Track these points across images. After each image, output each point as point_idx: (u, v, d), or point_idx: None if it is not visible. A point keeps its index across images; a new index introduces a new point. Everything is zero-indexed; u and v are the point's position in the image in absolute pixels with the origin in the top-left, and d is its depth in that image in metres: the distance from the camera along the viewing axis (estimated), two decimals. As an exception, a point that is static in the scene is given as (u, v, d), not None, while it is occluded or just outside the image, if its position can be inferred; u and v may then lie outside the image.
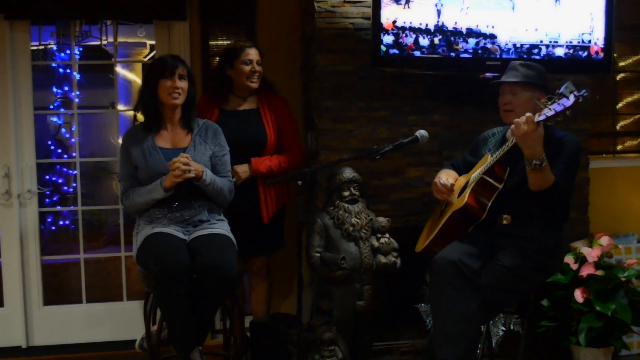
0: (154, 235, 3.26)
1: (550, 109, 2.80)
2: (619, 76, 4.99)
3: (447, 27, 3.79)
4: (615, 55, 4.86)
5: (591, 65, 4.02)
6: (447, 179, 3.32)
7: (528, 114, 2.86)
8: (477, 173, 3.22)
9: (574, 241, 4.12)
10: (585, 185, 4.31)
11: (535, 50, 3.89)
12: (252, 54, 3.74)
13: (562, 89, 2.89)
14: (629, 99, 5.04)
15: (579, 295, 3.80)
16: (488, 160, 3.21)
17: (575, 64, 3.98)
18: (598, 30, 3.96)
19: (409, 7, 3.73)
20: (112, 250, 5.46)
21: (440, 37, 3.78)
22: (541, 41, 3.89)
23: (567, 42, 3.92)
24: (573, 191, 3.17)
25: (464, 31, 3.81)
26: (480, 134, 3.52)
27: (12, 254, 4.33)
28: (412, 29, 3.75)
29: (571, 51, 3.94)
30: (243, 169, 3.68)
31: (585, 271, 3.84)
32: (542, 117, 2.83)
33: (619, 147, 5.03)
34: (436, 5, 3.76)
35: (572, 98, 2.76)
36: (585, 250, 3.93)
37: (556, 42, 3.91)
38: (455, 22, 3.79)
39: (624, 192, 4.82)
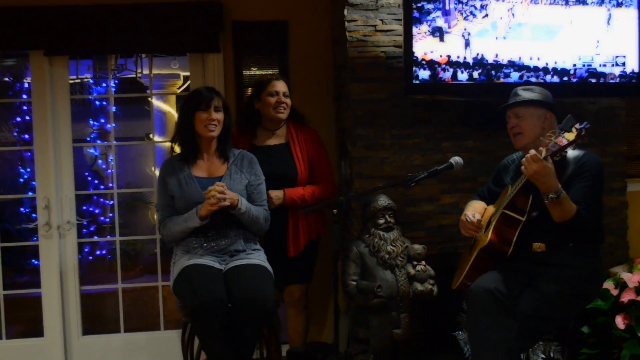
0: (190, 267, 3.29)
1: (554, 143, 2.80)
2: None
3: (487, 60, 3.78)
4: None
5: (625, 89, 3.98)
6: (474, 215, 3.26)
7: (533, 152, 2.86)
8: (499, 207, 3.20)
9: (614, 266, 4.06)
10: (623, 209, 4.25)
11: (578, 73, 3.88)
12: (278, 85, 3.77)
13: (563, 123, 2.89)
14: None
15: (620, 321, 3.74)
16: (508, 192, 3.19)
17: (609, 88, 3.95)
18: (632, 54, 3.94)
19: (443, 40, 3.73)
20: (148, 280, 5.54)
21: (479, 70, 3.78)
22: (574, 65, 3.87)
23: (601, 65, 3.90)
24: (603, 212, 3.12)
25: (505, 63, 3.80)
26: (501, 161, 3.50)
27: (52, 285, 4.39)
28: (449, 63, 3.75)
29: (613, 74, 3.91)
30: (277, 195, 3.70)
31: (626, 297, 3.77)
32: (548, 153, 2.82)
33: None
34: (463, 35, 3.75)
35: (574, 132, 2.77)
36: (625, 276, 3.86)
37: (590, 65, 3.89)
38: (496, 55, 3.79)
39: (663, 215, 4.74)
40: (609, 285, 3.85)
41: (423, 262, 3.70)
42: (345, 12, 3.95)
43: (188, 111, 3.45)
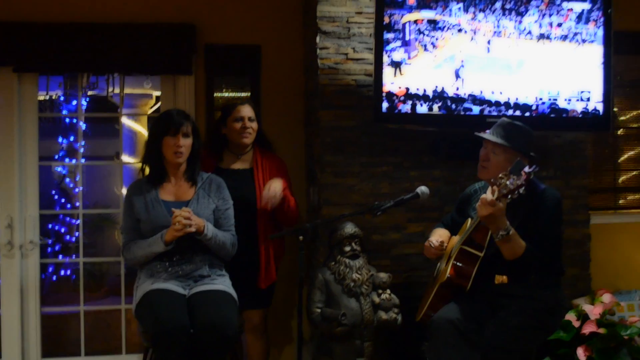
0: (152, 292, 3.24)
1: (505, 185, 2.84)
2: (620, 131, 5.04)
3: (447, 93, 3.80)
4: (615, 110, 4.92)
5: (590, 123, 4.05)
6: (437, 240, 3.33)
7: (488, 197, 2.90)
8: (457, 243, 3.23)
9: (576, 298, 4.10)
10: (586, 241, 4.31)
11: (535, 108, 3.92)
12: (244, 110, 3.75)
13: (513, 166, 2.95)
14: (631, 153, 5.07)
15: (581, 353, 3.78)
16: (467, 227, 3.22)
17: (574, 122, 4.02)
18: (597, 88, 4.01)
19: (400, 73, 3.75)
20: (112, 301, 5.44)
21: (439, 103, 3.81)
22: (541, 99, 3.93)
23: (566, 99, 3.96)
24: (561, 245, 3.16)
25: (466, 97, 3.82)
26: (464, 190, 3.53)
27: (12, 305, 4.30)
28: (408, 96, 3.77)
29: (575, 110, 3.97)
30: (278, 184, 3.64)
31: (588, 329, 3.82)
32: (500, 195, 2.86)
33: (621, 202, 5.04)
34: (423, 67, 3.74)
35: (523, 175, 2.82)
36: (587, 308, 3.91)
37: (555, 99, 3.95)
38: (457, 88, 3.81)
39: (626, 248, 4.82)
40: (571, 317, 3.90)
41: (388, 291, 3.71)
42: (318, 39, 3.98)
43: (156, 134, 3.42)
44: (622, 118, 5.05)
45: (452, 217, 3.53)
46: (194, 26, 4.34)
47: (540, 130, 4.05)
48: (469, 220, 3.27)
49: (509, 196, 2.85)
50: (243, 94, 4.51)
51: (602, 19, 3.95)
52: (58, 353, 4.58)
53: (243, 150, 3.82)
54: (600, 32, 3.95)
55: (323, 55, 3.99)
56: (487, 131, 3.23)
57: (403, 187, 3.97)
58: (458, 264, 3.13)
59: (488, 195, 2.93)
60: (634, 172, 5.07)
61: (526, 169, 2.82)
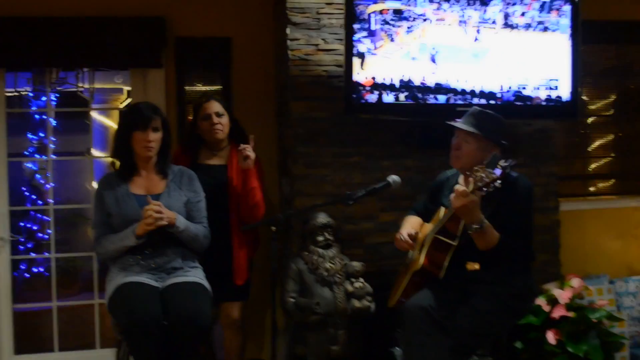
0: (124, 285, 3.23)
1: (481, 178, 2.85)
2: (590, 119, 5.11)
3: (413, 83, 3.83)
4: (586, 98, 5.00)
5: (559, 111, 4.11)
6: (409, 232, 3.34)
7: (461, 188, 2.92)
8: (430, 231, 3.26)
9: (546, 283, 4.16)
10: (556, 227, 4.38)
11: (500, 96, 3.96)
12: (210, 107, 3.73)
13: (489, 160, 2.97)
14: (601, 141, 5.14)
15: (551, 337, 3.83)
16: (441, 215, 3.25)
17: (543, 110, 4.07)
18: (565, 77, 4.06)
19: (366, 63, 3.77)
20: (86, 297, 5.41)
21: (406, 93, 3.83)
22: (510, 87, 3.98)
23: (534, 88, 4.01)
24: (532, 233, 3.19)
25: (433, 87, 3.85)
26: (436, 177, 3.55)
27: (-16, 302, 4.27)
28: (375, 86, 3.79)
29: (539, 97, 4.03)
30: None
31: (557, 313, 3.88)
32: (475, 187, 2.88)
33: (592, 189, 5.12)
34: (389, 57, 3.76)
35: (499, 169, 2.84)
36: (556, 292, 3.97)
37: (524, 88, 3.99)
38: (423, 77, 3.83)
39: (595, 233, 4.90)
40: (541, 301, 3.95)
41: (361, 279, 3.74)
42: (288, 30, 3.99)
43: (126, 129, 3.38)
44: (592, 107, 5.13)
45: (424, 204, 3.55)
46: (163, 19, 4.32)
47: (508, 118, 4.11)
48: (442, 209, 3.30)
49: (485, 189, 2.87)
50: (214, 87, 4.49)
51: (568, 8, 3.99)
52: (32, 349, 4.55)
53: (219, 147, 3.81)
54: (564, 21, 3.99)
55: (294, 47, 4.00)
56: (459, 120, 3.26)
57: (375, 177, 3.96)
58: (432, 252, 3.16)
59: (462, 186, 2.95)
60: (604, 160, 5.16)
61: (503, 163, 2.84)
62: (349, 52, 3.77)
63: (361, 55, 3.78)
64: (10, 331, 4.33)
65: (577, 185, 5.07)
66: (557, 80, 4.04)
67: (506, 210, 3.06)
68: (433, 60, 3.85)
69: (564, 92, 4.06)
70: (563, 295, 3.94)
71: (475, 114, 3.23)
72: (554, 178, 4.38)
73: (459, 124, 3.22)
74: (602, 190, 5.15)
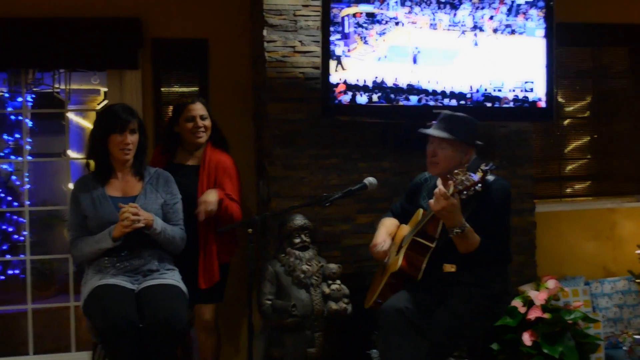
0: (100, 287, 3.21)
1: (461, 181, 2.87)
2: (566, 121, 5.15)
3: (386, 84, 3.85)
4: (562, 101, 5.04)
5: (534, 113, 4.14)
6: (383, 245, 3.34)
7: (442, 189, 2.93)
8: (409, 233, 3.27)
9: (522, 284, 4.19)
10: (532, 229, 4.40)
11: (474, 97, 3.99)
12: (195, 109, 3.72)
13: (470, 163, 3.01)
14: (577, 143, 5.19)
15: (527, 338, 3.85)
16: (420, 217, 3.26)
17: (518, 112, 4.10)
18: (540, 80, 4.10)
19: (342, 65, 3.79)
20: (62, 300, 5.37)
21: (379, 94, 3.85)
22: (485, 90, 4.00)
23: (510, 90, 4.04)
24: (510, 235, 3.20)
25: (405, 87, 3.88)
26: (414, 179, 3.56)
27: (-42, 306, 4.23)
28: (348, 87, 3.81)
29: (515, 100, 4.05)
30: (213, 199, 3.58)
31: (533, 314, 3.90)
32: (455, 190, 2.89)
33: (568, 191, 5.16)
34: (362, 59, 3.79)
35: (480, 172, 2.86)
36: (532, 294, 3.99)
37: (500, 90, 4.02)
38: (396, 78, 3.86)
39: (571, 235, 4.95)
40: (517, 303, 3.97)
41: (338, 282, 3.74)
42: (265, 32, 3.98)
43: (102, 131, 3.36)
44: (569, 109, 5.17)
45: (402, 205, 3.56)
46: (139, 20, 4.30)
47: (484, 120, 4.15)
48: (421, 211, 3.31)
49: (465, 192, 2.88)
50: (191, 88, 4.47)
51: (534, 12, 4.03)
52: (6, 353, 4.50)
53: (196, 148, 3.79)
54: (530, 24, 4.04)
55: (270, 48, 3.99)
56: (431, 126, 3.26)
57: (352, 179, 3.99)
58: (409, 254, 3.16)
59: (442, 188, 2.94)
60: (580, 162, 5.20)
61: (483, 167, 2.86)
62: (326, 54, 3.77)
63: (337, 57, 3.79)
64: (-16, 335, 4.29)
65: (554, 187, 5.11)
66: (532, 82, 4.07)
67: (483, 213, 3.07)
68: (414, 61, 3.89)
69: (540, 94, 4.09)
70: (539, 296, 3.96)
71: (446, 119, 3.23)
72: (530, 180, 4.41)
73: (431, 131, 3.21)
74: (579, 192, 5.20)
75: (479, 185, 2.86)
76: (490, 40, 3.98)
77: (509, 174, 4.26)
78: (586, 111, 5.19)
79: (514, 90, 4.05)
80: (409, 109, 3.90)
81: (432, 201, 2.96)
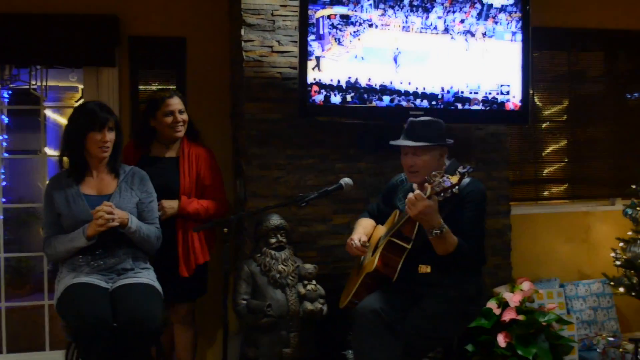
0: (74, 286, 3.19)
1: (439, 183, 2.89)
2: (543, 125, 5.19)
3: (360, 84, 3.88)
4: (539, 104, 5.08)
5: (510, 116, 4.18)
6: (360, 239, 3.33)
7: (417, 192, 2.94)
8: (384, 234, 3.28)
9: (498, 286, 4.21)
10: (507, 231, 4.43)
11: (440, 97, 4.02)
12: (173, 104, 3.71)
13: (448, 166, 3.01)
14: (555, 146, 5.23)
15: (501, 339, 3.88)
16: (396, 218, 3.27)
17: (494, 115, 4.13)
18: (516, 83, 4.13)
19: (319, 69, 3.82)
20: (38, 298, 5.32)
21: (352, 94, 3.87)
22: (457, 91, 4.03)
23: (486, 93, 4.07)
24: (485, 236, 3.22)
25: (378, 88, 3.91)
26: (390, 180, 3.57)
27: None
28: (322, 86, 3.82)
29: (490, 103, 4.08)
30: (170, 205, 3.64)
31: (508, 316, 3.92)
32: (433, 192, 2.91)
33: (546, 194, 5.20)
34: (336, 60, 3.82)
35: (457, 175, 2.87)
36: (507, 296, 4.02)
37: (476, 93, 4.05)
38: (369, 79, 3.89)
39: (546, 237, 4.98)
40: (492, 304, 4.00)
41: (314, 282, 3.74)
42: (242, 32, 3.98)
43: (80, 129, 3.32)
44: (546, 112, 5.21)
45: (378, 206, 3.57)
46: (117, 17, 4.28)
47: (461, 123, 4.18)
48: (397, 212, 3.32)
49: (442, 194, 2.89)
50: (168, 87, 4.45)
51: (503, 16, 4.09)
52: (-21, 351, 4.45)
53: (172, 142, 3.79)
54: (500, 28, 4.09)
55: (248, 48, 3.99)
56: (402, 136, 3.26)
57: (329, 180, 3.99)
58: (385, 255, 3.17)
59: (418, 192, 2.95)
60: (557, 165, 5.24)
61: (461, 169, 2.87)
62: (303, 54, 3.77)
63: (317, 58, 3.79)
64: (-44, 333, 4.24)
65: (530, 190, 5.14)
66: (508, 85, 4.11)
67: (459, 214, 3.09)
68: (388, 63, 3.92)
69: (515, 97, 4.12)
70: (513, 298, 3.98)
71: (414, 126, 3.22)
72: (506, 182, 4.44)
73: (404, 142, 3.22)
74: (555, 194, 5.23)
75: (456, 187, 2.87)
76: (463, 43, 4.03)
77: (485, 176, 4.29)
78: (563, 115, 5.23)
79: (490, 93, 4.08)
80: (382, 110, 3.93)
81: (407, 207, 2.97)
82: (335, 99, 3.84)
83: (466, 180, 3.12)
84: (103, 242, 3.29)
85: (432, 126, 3.22)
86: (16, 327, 4.64)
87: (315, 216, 4.06)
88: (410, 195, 2.95)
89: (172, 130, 3.72)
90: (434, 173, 2.94)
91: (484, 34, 4.06)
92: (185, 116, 3.75)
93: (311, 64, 3.79)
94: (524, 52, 4.13)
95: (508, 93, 4.11)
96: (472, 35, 4.04)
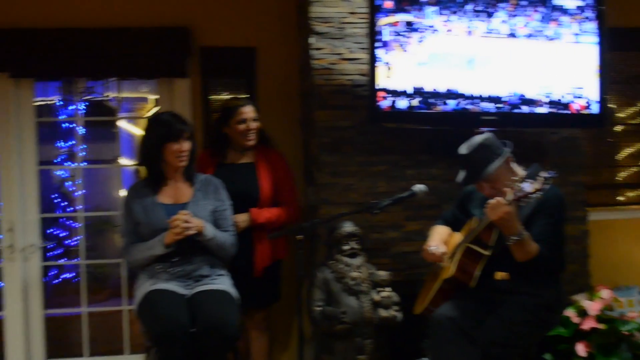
0: (152, 292, 3.27)
1: (520, 189, 2.83)
2: (619, 128, 5.04)
3: (424, 89, 3.85)
4: (614, 107, 4.94)
5: (586, 120, 4.07)
6: (438, 247, 3.30)
7: (498, 199, 2.89)
8: (463, 240, 3.24)
9: (575, 294, 4.11)
10: (584, 238, 4.32)
11: (529, 106, 3.95)
12: (246, 112, 3.77)
13: (530, 171, 2.95)
14: (630, 150, 5.07)
15: (581, 349, 3.79)
16: (474, 224, 3.22)
17: (569, 119, 4.03)
18: (590, 85, 4.03)
19: (386, 76, 3.81)
20: (115, 304, 5.47)
21: (419, 98, 3.85)
22: (529, 95, 3.96)
23: (561, 96, 3.98)
24: (565, 243, 3.16)
25: (443, 92, 3.88)
26: (464, 187, 3.50)
27: (15, 308, 4.34)
28: (388, 92, 3.81)
29: (563, 106, 3.99)
30: (242, 219, 3.70)
31: (587, 325, 3.82)
32: (514, 198, 2.85)
33: (621, 199, 5.05)
34: (402, 66, 3.82)
35: (540, 180, 2.81)
36: (586, 304, 3.92)
37: (549, 96, 3.97)
38: (434, 84, 3.86)
39: (625, 244, 4.83)
40: (570, 313, 3.90)
41: (388, 289, 3.72)
42: (312, 40, 4.00)
43: (157, 140, 3.40)
44: (621, 115, 5.06)
45: (453, 214, 3.53)
46: (188, 29, 4.37)
47: (536, 128, 4.10)
48: (474, 219, 3.27)
49: (523, 199, 2.84)
50: (241, 96, 4.51)
51: (566, 19, 3.99)
52: (62, 354, 4.61)
53: (247, 148, 3.84)
54: (563, 30, 4.00)
55: (317, 56, 4.01)
56: (460, 173, 3.24)
57: (400, 186, 3.95)
58: (463, 261, 3.14)
59: (499, 198, 2.90)
60: (633, 169, 5.08)
61: (543, 174, 2.82)
62: (373, 60, 3.77)
63: (386, 64, 3.79)
64: (41, 336, 4.40)
65: (606, 195, 5.00)
66: (583, 89, 4.01)
67: (538, 220, 3.03)
68: (453, 67, 3.90)
69: (591, 100, 4.02)
70: (593, 306, 3.88)
71: (470, 158, 3.14)
72: (582, 187, 4.32)
73: (470, 180, 3.17)
74: (632, 199, 5.07)
75: (538, 192, 2.82)
76: (528, 46, 3.97)
77: (560, 181, 4.15)
78: (638, 117, 5.07)
79: (563, 97, 3.99)
80: (449, 115, 3.90)
81: (487, 210, 2.93)
82: (402, 103, 3.83)
83: (545, 186, 3.07)
84: (180, 250, 3.36)
85: (483, 148, 3.13)
86: (95, 331, 4.77)
87: (387, 223, 4.05)
88: (492, 200, 2.91)
89: (245, 139, 3.77)
90: (515, 178, 2.89)
91: (549, 37, 3.98)
92: (257, 124, 3.81)
93: (380, 70, 3.79)
94: (601, 53, 4.01)
95: (581, 96, 4.00)
96: (537, 37, 3.97)
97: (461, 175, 3.24)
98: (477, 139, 3.17)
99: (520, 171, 3.16)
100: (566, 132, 4.28)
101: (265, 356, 3.96)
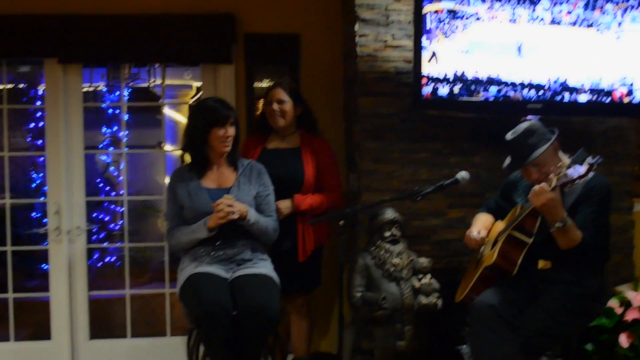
0: (195, 275, 3.32)
1: (565, 174, 2.80)
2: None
3: (466, 76, 3.83)
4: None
5: (630, 109, 4.00)
6: (479, 232, 3.30)
7: (542, 185, 2.86)
8: (506, 227, 3.22)
9: (619, 285, 4.06)
10: (629, 228, 4.26)
11: (547, 87, 3.91)
12: (275, 94, 3.79)
13: (575, 156, 2.92)
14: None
15: (624, 340, 3.75)
16: (517, 212, 3.20)
17: (614, 107, 3.97)
18: (637, 74, 3.95)
19: (430, 63, 3.80)
20: (156, 287, 5.58)
21: (460, 85, 3.83)
22: (582, 85, 3.90)
23: (604, 85, 3.92)
24: (610, 233, 3.12)
25: (485, 79, 3.85)
26: (509, 175, 3.49)
27: (61, 289, 4.43)
28: (430, 79, 3.80)
29: (608, 94, 3.93)
30: (285, 205, 3.72)
31: (631, 316, 3.78)
32: (558, 183, 2.83)
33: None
34: (445, 53, 3.81)
35: (585, 166, 2.78)
36: (630, 295, 3.87)
37: (591, 84, 3.91)
38: (476, 71, 3.84)
39: (670, 235, 4.74)
40: (613, 303, 3.86)
41: (428, 276, 3.73)
42: (356, 27, 4.00)
43: (203, 125, 3.44)
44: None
45: (497, 202, 3.52)
46: (233, 16, 4.39)
47: (580, 115, 4.05)
48: (519, 206, 3.26)
49: (568, 186, 2.82)
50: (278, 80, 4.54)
51: (610, 7, 3.91)
52: (105, 335, 4.69)
53: (285, 132, 3.86)
54: (606, 19, 3.91)
55: (362, 43, 4.01)
56: (508, 159, 3.23)
57: (443, 174, 3.96)
58: (505, 249, 3.12)
59: (544, 184, 2.88)
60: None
61: (590, 160, 2.79)
62: (418, 48, 3.76)
63: (432, 52, 3.78)
64: (86, 317, 4.50)
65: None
66: (632, 77, 3.94)
67: (583, 211, 3.00)
68: (495, 55, 3.87)
69: (635, 88, 3.95)
70: (637, 297, 3.84)
71: (518, 143, 3.12)
72: (629, 177, 4.26)
73: (518, 164, 3.15)
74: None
75: (584, 178, 2.78)
76: (572, 34, 3.91)
77: (606, 170, 4.12)
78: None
79: (607, 85, 3.93)
80: (491, 102, 3.86)
81: (531, 196, 2.91)
82: (443, 90, 3.81)
83: (590, 173, 3.03)
84: (223, 234, 3.41)
85: (532, 133, 3.10)
86: (137, 313, 4.86)
87: (429, 210, 4.05)
88: (536, 186, 2.89)
89: (271, 120, 3.80)
90: (560, 164, 2.87)
91: (592, 24, 3.91)
92: (286, 106, 3.79)
93: (429, 57, 3.78)
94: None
95: (624, 84, 3.93)
96: (581, 25, 3.91)
97: (507, 161, 3.22)
98: (524, 125, 3.15)
99: (565, 159, 3.12)
100: (613, 122, 4.22)
101: (305, 341, 4.00)
